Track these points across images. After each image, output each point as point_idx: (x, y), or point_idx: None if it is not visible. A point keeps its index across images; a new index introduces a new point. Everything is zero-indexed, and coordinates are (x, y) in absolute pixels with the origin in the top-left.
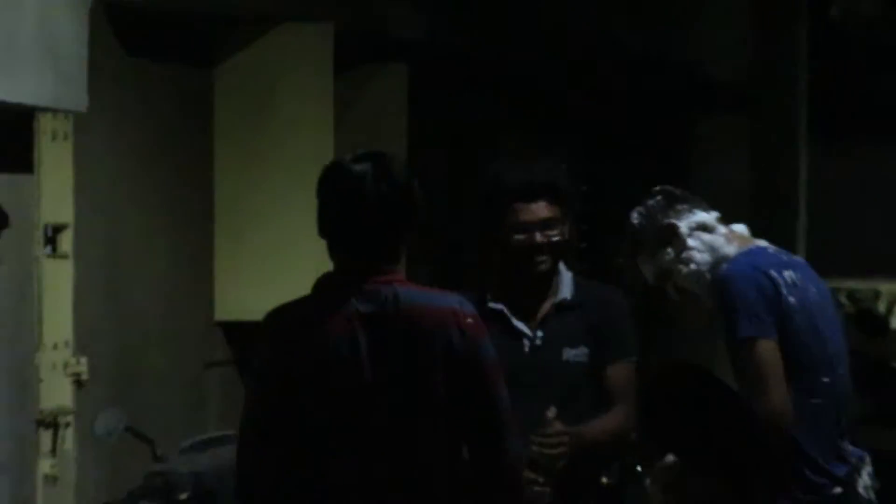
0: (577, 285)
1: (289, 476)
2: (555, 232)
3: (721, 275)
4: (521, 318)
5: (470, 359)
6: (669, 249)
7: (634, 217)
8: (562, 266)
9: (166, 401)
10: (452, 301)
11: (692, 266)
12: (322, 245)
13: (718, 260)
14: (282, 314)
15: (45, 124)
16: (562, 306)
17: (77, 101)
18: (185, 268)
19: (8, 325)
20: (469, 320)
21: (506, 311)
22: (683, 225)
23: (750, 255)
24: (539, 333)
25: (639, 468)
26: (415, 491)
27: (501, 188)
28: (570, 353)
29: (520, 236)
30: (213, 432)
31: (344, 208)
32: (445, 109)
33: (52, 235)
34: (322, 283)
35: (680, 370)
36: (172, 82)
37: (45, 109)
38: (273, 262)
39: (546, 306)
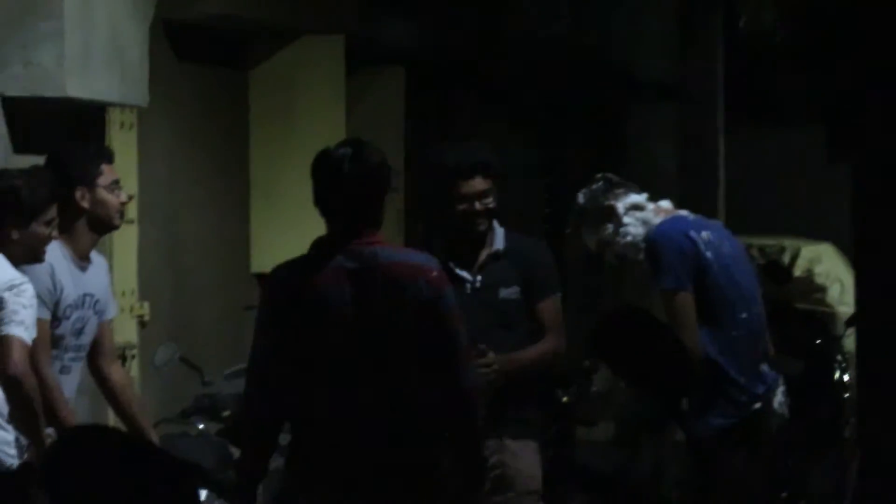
0: (507, 238)
1: (288, 401)
2: (489, 200)
3: (649, 237)
4: (463, 268)
5: (434, 304)
6: (609, 225)
7: (580, 198)
8: (495, 223)
9: (213, 336)
10: (421, 258)
11: (628, 238)
12: None
13: (649, 231)
14: (283, 270)
15: (114, 116)
16: (496, 255)
17: (140, 98)
18: (227, 230)
19: None
20: (434, 273)
21: (450, 263)
22: (620, 205)
23: (672, 220)
24: (478, 278)
25: (593, 388)
26: (391, 411)
27: (446, 169)
28: (504, 292)
29: (462, 206)
30: None
31: (329, 184)
32: (436, 105)
33: None
34: (316, 245)
35: (626, 312)
36: (216, 82)
37: (113, 104)
38: (297, 224)
39: (483, 256)
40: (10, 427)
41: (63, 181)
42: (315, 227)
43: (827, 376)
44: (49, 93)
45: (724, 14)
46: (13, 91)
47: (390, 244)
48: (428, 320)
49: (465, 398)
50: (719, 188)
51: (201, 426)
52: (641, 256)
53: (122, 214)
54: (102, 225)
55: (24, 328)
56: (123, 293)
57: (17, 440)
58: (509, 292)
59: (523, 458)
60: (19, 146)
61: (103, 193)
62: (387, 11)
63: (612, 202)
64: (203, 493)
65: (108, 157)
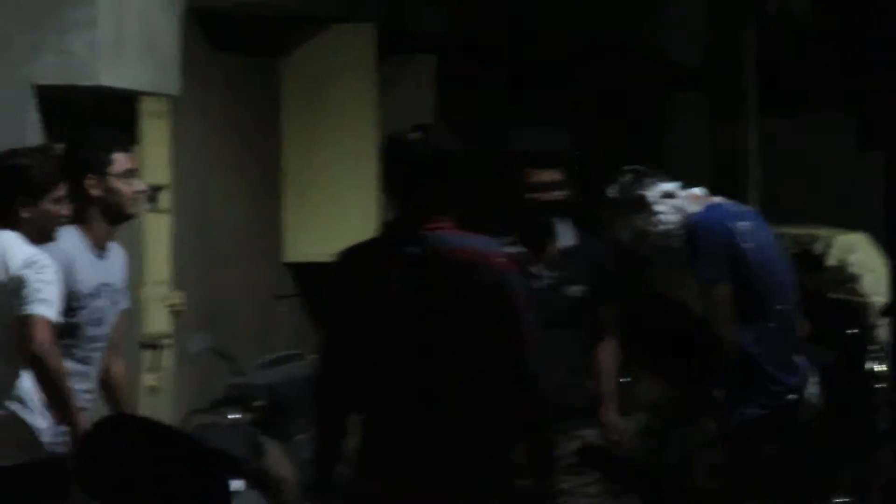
0: (573, 234)
1: (356, 385)
2: (559, 191)
3: (688, 226)
4: (532, 262)
5: (498, 290)
6: (642, 215)
7: (610, 193)
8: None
9: (245, 326)
10: (486, 244)
11: (661, 227)
12: (368, 198)
13: (685, 218)
14: (349, 254)
15: (146, 105)
16: (566, 252)
17: (172, 86)
18: (260, 220)
19: None
20: (499, 259)
21: (521, 257)
22: (651, 195)
23: (710, 210)
24: (549, 274)
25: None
26: (455, 396)
27: (521, 157)
28: (572, 290)
29: (532, 195)
30: (283, 351)
31: (397, 168)
32: (467, 93)
33: (152, 194)
34: (384, 229)
35: (657, 301)
36: (248, 71)
37: (145, 93)
38: (328, 215)
39: (553, 251)
40: (44, 413)
41: (74, 169)
42: (347, 215)
43: (860, 366)
44: (82, 81)
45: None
46: (46, 79)
47: (458, 230)
48: (491, 306)
49: (530, 384)
50: (750, 175)
51: (233, 416)
52: (678, 244)
53: (136, 203)
54: (115, 214)
55: (47, 305)
56: (156, 283)
57: (53, 428)
58: (577, 290)
59: None
60: (52, 134)
61: (115, 182)
62: (418, 0)
63: (643, 192)
64: (235, 483)
65: (124, 145)
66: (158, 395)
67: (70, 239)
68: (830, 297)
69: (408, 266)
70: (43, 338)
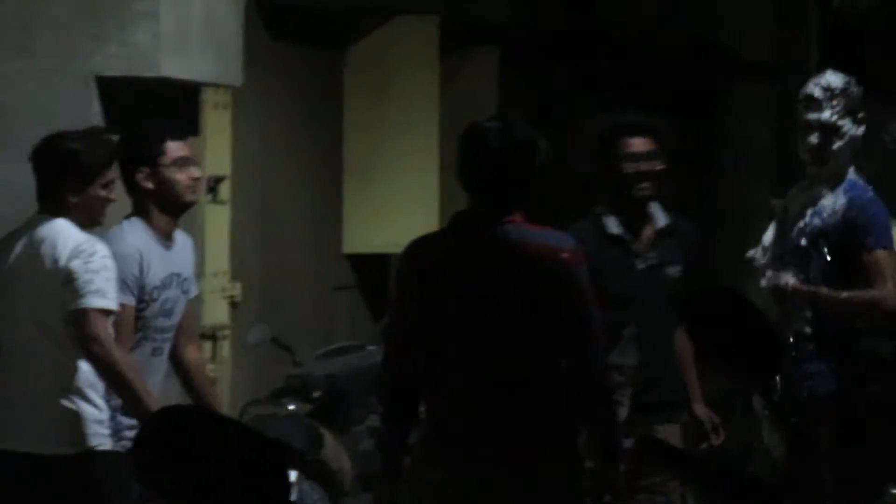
0: (667, 215)
1: (422, 375)
2: (656, 161)
3: (867, 197)
4: (633, 243)
5: (564, 284)
6: (848, 122)
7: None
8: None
9: (304, 317)
10: (554, 238)
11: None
12: (429, 191)
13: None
14: (419, 244)
15: (208, 96)
16: (663, 232)
17: (234, 78)
18: (319, 211)
19: None
20: (564, 254)
21: (624, 237)
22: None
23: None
24: (650, 255)
25: None
26: (522, 389)
27: (615, 127)
28: (672, 271)
29: (630, 164)
30: (342, 343)
31: (472, 157)
32: (529, 86)
33: (213, 185)
34: (454, 220)
35: (717, 291)
36: (310, 62)
37: (208, 84)
38: (388, 207)
39: (649, 231)
40: (102, 405)
41: (128, 162)
42: (407, 207)
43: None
44: (144, 72)
45: None
46: (109, 70)
47: (527, 223)
48: (557, 300)
49: (596, 378)
50: None
51: (292, 407)
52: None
53: (194, 190)
54: (172, 204)
55: (100, 296)
56: (215, 274)
57: (112, 420)
58: (675, 270)
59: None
60: (114, 126)
61: (168, 172)
62: None
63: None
64: (293, 474)
65: (176, 134)
66: (217, 385)
67: (136, 232)
68: None
69: (475, 258)
70: (96, 331)
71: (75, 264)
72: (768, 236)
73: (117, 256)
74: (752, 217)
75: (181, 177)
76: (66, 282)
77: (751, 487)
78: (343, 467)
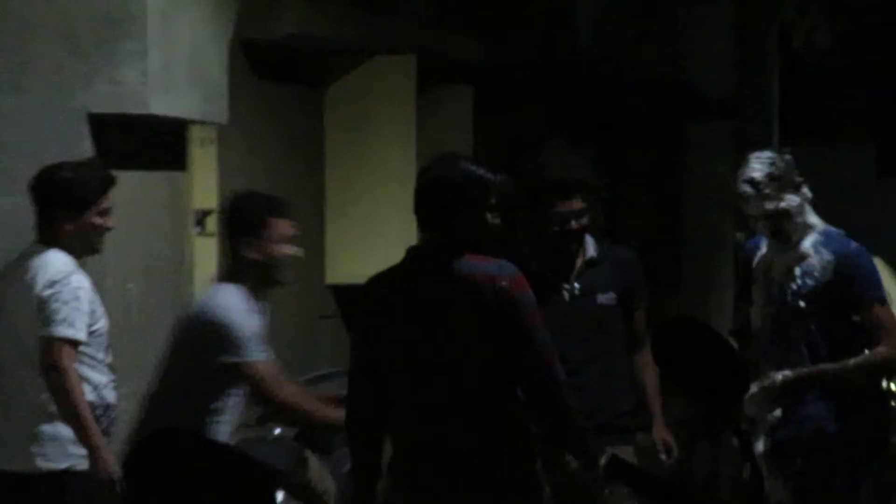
0: (599, 246)
1: (383, 404)
2: (584, 219)
3: (855, 249)
4: (561, 277)
5: (508, 310)
6: (796, 198)
7: (777, 162)
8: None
9: (289, 345)
10: (494, 267)
11: (809, 219)
12: (407, 223)
13: (843, 241)
14: (376, 281)
15: (194, 133)
16: (591, 263)
17: (220, 115)
18: (303, 242)
19: (167, 288)
20: (504, 282)
21: (549, 273)
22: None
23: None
24: (577, 285)
25: None
26: (478, 417)
27: (544, 187)
28: (602, 298)
29: (558, 225)
30: (325, 370)
31: (422, 195)
32: (502, 122)
33: (201, 218)
34: (407, 255)
35: (682, 321)
36: (292, 100)
37: (195, 121)
38: (368, 238)
39: (579, 263)
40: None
41: (234, 228)
42: (386, 239)
43: (875, 386)
44: (133, 110)
45: (780, 34)
46: (99, 108)
47: (473, 256)
48: (499, 326)
49: (552, 397)
50: None
51: (278, 431)
52: (807, 244)
53: (286, 270)
54: (267, 278)
55: (66, 325)
56: None
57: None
58: (606, 298)
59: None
60: (107, 161)
61: (270, 247)
62: (455, 31)
63: (801, 179)
64: (279, 495)
65: (283, 211)
66: None
67: (229, 296)
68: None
69: (426, 293)
70: (57, 359)
71: (47, 293)
72: (756, 309)
73: (250, 314)
74: (716, 248)
75: (282, 254)
76: (39, 309)
77: None
78: (327, 489)
